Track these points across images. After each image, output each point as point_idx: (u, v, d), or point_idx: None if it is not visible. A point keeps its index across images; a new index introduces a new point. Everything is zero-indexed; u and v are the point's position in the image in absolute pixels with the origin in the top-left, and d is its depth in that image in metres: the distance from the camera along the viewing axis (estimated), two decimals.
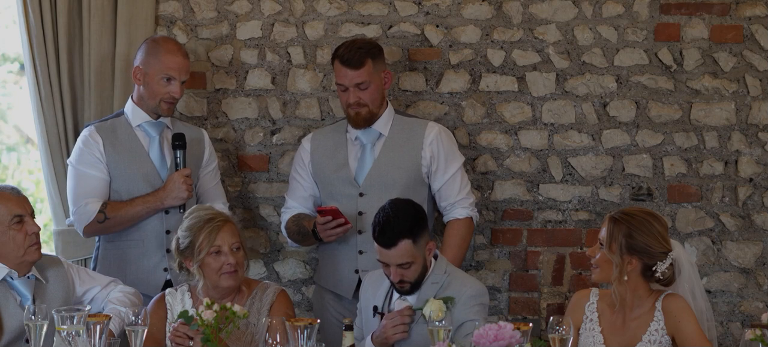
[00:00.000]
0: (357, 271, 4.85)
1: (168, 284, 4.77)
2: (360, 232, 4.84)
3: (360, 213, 4.84)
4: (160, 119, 4.91)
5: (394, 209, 4.30)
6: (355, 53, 4.81)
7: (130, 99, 4.93)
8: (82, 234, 4.86)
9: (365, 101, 4.83)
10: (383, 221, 4.26)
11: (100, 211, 4.77)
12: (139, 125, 4.90)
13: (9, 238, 4.20)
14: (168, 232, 4.79)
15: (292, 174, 5.04)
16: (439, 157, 4.88)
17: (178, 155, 4.81)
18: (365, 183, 4.86)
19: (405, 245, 4.23)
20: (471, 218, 4.93)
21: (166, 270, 4.82)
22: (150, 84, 4.84)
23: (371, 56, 4.83)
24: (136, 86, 4.90)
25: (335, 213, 4.73)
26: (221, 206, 4.90)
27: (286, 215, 5.00)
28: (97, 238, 4.95)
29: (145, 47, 4.89)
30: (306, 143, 5.02)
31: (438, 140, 4.89)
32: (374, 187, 4.83)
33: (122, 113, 4.93)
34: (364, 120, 4.86)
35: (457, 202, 4.91)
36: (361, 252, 4.85)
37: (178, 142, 4.81)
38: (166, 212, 4.82)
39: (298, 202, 4.99)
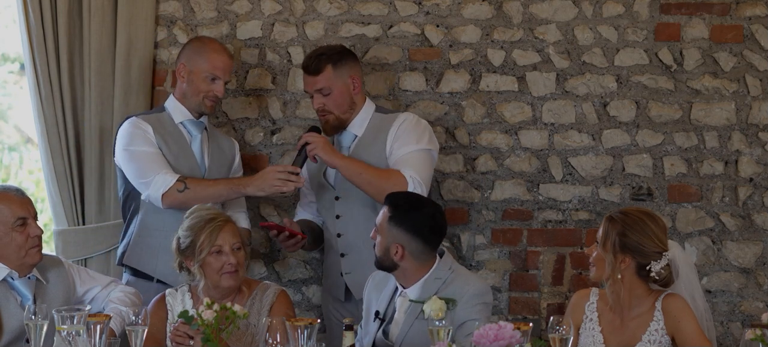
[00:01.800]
0: (342, 274, 4.87)
1: None
2: (339, 235, 4.86)
3: (338, 217, 4.85)
4: (201, 119, 4.95)
5: (403, 192, 4.47)
6: (314, 60, 4.84)
7: (171, 96, 4.97)
8: (160, 204, 4.74)
9: (329, 108, 4.83)
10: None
11: (179, 180, 4.71)
12: (181, 122, 4.93)
13: (11, 240, 4.20)
14: None
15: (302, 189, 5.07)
16: (398, 140, 4.81)
17: (300, 155, 4.75)
18: (339, 186, 4.86)
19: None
20: (408, 181, 4.68)
21: None
22: (195, 82, 4.88)
23: (332, 62, 4.83)
24: (179, 83, 4.92)
25: (277, 227, 4.77)
26: (243, 214, 4.98)
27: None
28: (127, 228, 4.92)
29: (190, 45, 4.95)
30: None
31: (402, 126, 4.83)
32: (348, 189, 4.81)
33: (163, 110, 4.96)
34: (332, 127, 4.88)
35: (404, 168, 4.75)
36: (342, 255, 4.87)
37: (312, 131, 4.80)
38: None
39: (303, 208, 5.07)
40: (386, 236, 4.27)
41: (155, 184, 4.72)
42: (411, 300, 4.29)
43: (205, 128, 4.98)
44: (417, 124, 4.84)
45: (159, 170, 4.74)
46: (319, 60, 4.83)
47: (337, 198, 4.87)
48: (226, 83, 4.92)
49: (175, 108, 4.93)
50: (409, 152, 4.76)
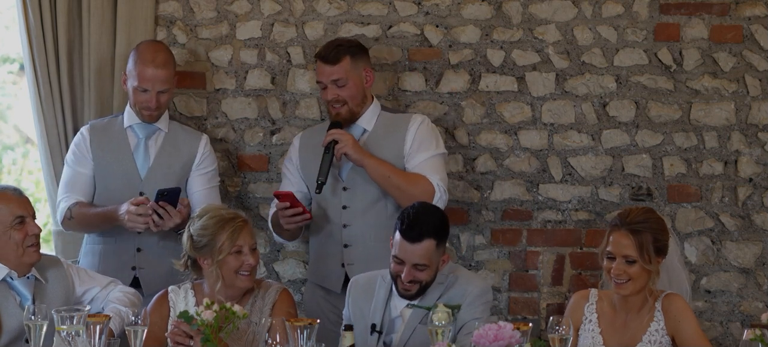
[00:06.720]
0: (343, 265, 4.87)
1: (135, 282, 4.85)
2: (345, 226, 4.86)
3: (344, 207, 4.86)
4: (154, 123, 4.97)
5: (424, 207, 4.33)
6: (333, 50, 4.86)
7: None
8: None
9: (344, 98, 4.86)
10: (413, 216, 4.26)
11: (68, 209, 4.89)
12: (130, 126, 4.97)
13: (9, 238, 4.20)
14: (139, 233, 4.89)
15: (283, 171, 5.10)
16: (416, 141, 4.88)
17: (326, 157, 4.77)
18: (349, 177, 4.88)
19: (429, 244, 4.22)
20: (435, 189, 4.79)
21: (133, 268, 4.90)
22: (130, 91, 4.92)
23: (350, 54, 4.87)
24: None
25: (292, 199, 4.76)
26: None
27: (272, 210, 5.00)
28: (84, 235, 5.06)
29: (132, 53, 4.96)
30: (296, 141, 5.07)
31: (420, 128, 4.90)
32: (357, 181, 4.85)
33: (120, 114, 5.03)
34: (344, 120, 4.89)
35: (430, 174, 4.85)
36: (346, 246, 4.87)
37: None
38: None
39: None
40: (435, 263, 4.27)
41: (58, 209, 4.96)
42: (414, 306, 4.28)
43: (160, 129, 4.97)
44: (432, 127, 4.96)
45: (63, 194, 4.94)
46: (337, 50, 4.86)
47: (344, 189, 4.88)
48: (160, 93, 4.87)
49: (128, 113, 4.99)
50: (430, 157, 4.86)
